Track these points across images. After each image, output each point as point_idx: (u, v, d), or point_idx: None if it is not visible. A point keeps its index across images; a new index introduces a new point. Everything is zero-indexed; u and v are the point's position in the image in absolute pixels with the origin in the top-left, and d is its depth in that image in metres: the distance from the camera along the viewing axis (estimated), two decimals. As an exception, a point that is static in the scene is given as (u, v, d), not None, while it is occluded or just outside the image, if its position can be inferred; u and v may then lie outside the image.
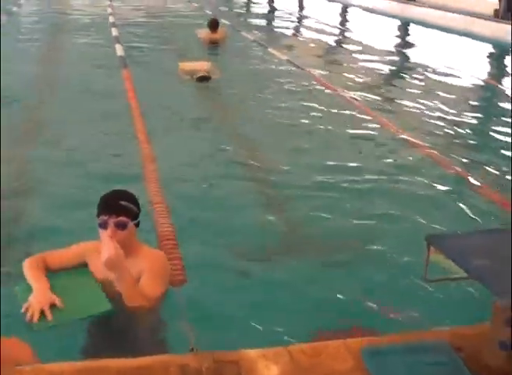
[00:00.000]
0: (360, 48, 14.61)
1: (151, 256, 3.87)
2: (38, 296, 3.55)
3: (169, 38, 14.95)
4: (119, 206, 3.68)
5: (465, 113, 9.11)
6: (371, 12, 21.69)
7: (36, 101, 8.89)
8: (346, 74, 11.55)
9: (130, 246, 3.75)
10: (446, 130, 8.15)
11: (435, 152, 7.23)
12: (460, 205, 5.78)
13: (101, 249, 3.65)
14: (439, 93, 10.19)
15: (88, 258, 3.91)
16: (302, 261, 4.70)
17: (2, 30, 15.59)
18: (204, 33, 13.85)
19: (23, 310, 3.48)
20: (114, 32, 15.17)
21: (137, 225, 3.82)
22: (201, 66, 10.46)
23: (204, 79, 10.02)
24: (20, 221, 5.27)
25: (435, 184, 6.31)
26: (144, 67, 11.30)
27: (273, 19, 21.01)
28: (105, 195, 3.80)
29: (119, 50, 12.60)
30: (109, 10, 20.19)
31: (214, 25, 13.64)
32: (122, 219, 3.67)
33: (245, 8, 24.45)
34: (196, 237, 4.90)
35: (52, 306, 3.51)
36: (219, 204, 5.64)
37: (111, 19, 17.81)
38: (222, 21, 17.46)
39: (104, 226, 3.67)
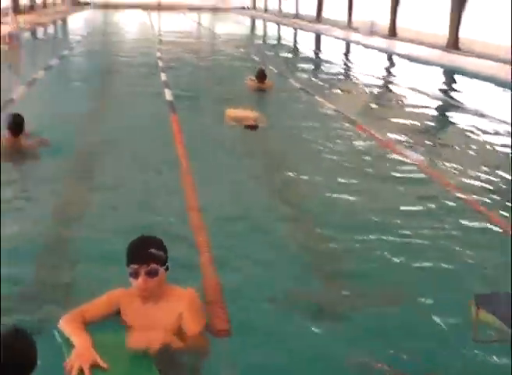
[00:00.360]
0: (404, 95, 14.65)
1: (185, 297, 3.87)
2: (79, 353, 3.44)
3: (217, 83, 15.15)
4: (149, 255, 3.66)
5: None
6: (416, 61, 21.82)
7: (85, 144, 9.01)
8: (390, 121, 11.57)
9: (162, 290, 3.79)
10: (492, 180, 8.05)
11: (477, 201, 7.20)
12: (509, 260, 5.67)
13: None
14: (485, 143, 10.11)
15: (121, 305, 3.90)
16: (344, 310, 4.63)
17: (54, 73, 16.11)
18: (251, 82, 13.95)
19: (64, 365, 3.39)
20: (163, 76, 15.47)
21: (167, 269, 3.80)
22: (248, 114, 10.48)
23: (251, 128, 10.02)
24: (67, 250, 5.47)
25: (481, 235, 6.22)
26: (192, 111, 11.47)
27: (319, 66, 21.18)
28: (134, 243, 3.77)
29: (168, 94, 12.82)
30: (158, 54, 20.64)
31: (261, 76, 13.71)
32: (154, 267, 3.66)
33: (291, 54, 24.77)
34: (240, 286, 4.87)
35: (94, 365, 3.37)
36: (263, 248, 5.61)
37: (160, 63, 18.19)
38: (269, 67, 17.75)
39: (135, 275, 3.67)
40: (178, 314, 3.77)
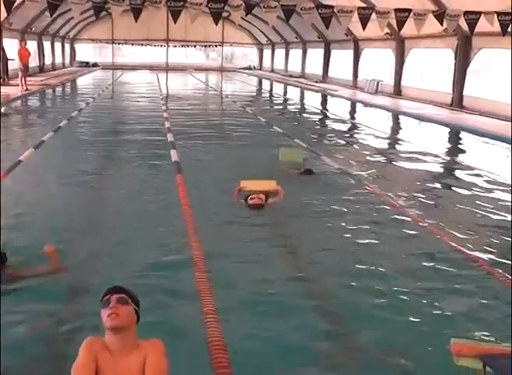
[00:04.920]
0: (412, 155, 14.65)
1: (151, 344, 3.87)
2: None
3: (223, 143, 15.24)
4: (122, 288, 3.92)
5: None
6: (422, 120, 22.02)
7: (92, 210, 8.98)
8: (397, 182, 11.61)
9: (132, 340, 3.82)
10: (498, 241, 8.00)
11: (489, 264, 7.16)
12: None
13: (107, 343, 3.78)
14: (493, 201, 10.13)
15: (98, 353, 3.81)
16: None
17: (62, 135, 16.25)
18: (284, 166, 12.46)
19: None
20: (170, 137, 15.58)
21: (137, 320, 3.92)
22: (263, 186, 9.58)
23: (254, 207, 9.09)
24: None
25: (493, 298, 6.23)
26: (197, 173, 11.43)
27: (324, 125, 21.32)
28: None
29: (174, 155, 12.86)
30: (165, 115, 20.87)
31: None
32: (124, 296, 3.86)
33: (298, 114, 25.02)
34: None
35: None
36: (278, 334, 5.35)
37: (167, 124, 18.36)
38: (275, 129, 17.88)
39: (106, 303, 3.80)
40: (143, 356, 3.76)
